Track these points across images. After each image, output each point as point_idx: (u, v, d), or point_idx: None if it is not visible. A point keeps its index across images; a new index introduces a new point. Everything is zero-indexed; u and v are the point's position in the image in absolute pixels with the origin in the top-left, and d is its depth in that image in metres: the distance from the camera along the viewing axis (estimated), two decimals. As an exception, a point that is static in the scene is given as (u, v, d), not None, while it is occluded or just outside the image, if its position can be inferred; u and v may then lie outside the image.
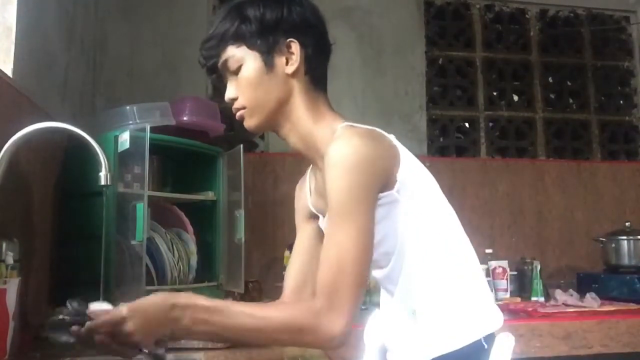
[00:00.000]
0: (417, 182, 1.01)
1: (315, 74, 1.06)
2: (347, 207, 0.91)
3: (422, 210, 1.01)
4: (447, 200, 1.10)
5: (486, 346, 0.99)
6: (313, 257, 1.13)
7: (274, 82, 1.04)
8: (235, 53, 1.04)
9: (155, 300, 0.92)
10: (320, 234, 1.12)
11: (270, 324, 0.91)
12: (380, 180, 0.95)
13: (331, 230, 0.93)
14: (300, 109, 1.05)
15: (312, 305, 0.91)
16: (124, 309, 0.91)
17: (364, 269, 0.91)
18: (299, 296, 1.13)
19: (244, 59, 1.04)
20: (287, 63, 1.03)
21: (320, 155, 1.04)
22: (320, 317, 0.88)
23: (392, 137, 1.04)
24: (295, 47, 1.03)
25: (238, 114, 1.08)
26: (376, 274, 1.09)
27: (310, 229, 1.19)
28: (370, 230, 0.93)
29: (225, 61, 1.06)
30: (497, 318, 1.05)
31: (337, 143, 0.94)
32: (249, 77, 1.04)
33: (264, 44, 1.03)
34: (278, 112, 1.06)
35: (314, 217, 1.18)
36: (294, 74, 1.04)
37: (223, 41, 1.05)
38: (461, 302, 1.02)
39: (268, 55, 1.03)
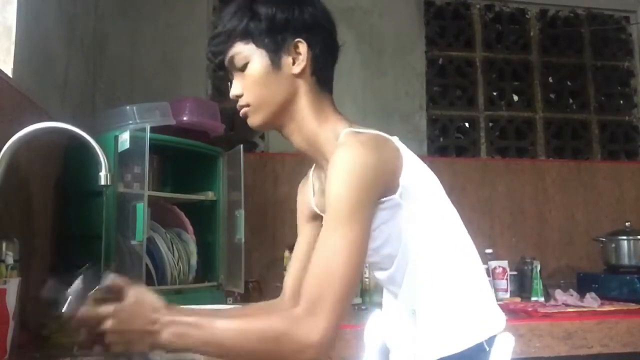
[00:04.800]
0: (420, 186, 1.01)
1: (322, 76, 1.06)
2: (343, 216, 0.89)
3: (426, 213, 1.01)
4: (449, 201, 1.09)
5: (488, 349, 0.99)
6: None
7: (280, 81, 1.04)
8: (243, 50, 1.04)
9: (142, 310, 0.90)
10: None
11: (247, 336, 0.88)
12: (380, 189, 0.94)
13: (324, 237, 0.91)
14: (305, 109, 1.05)
15: (291, 312, 0.88)
16: (110, 307, 0.89)
17: (352, 280, 0.88)
18: (297, 299, 1.10)
19: (251, 56, 1.04)
20: (293, 63, 1.03)
21: (325, 157, 1.04)
22: (298, 323, 0.85)
23: (395, 140, 1.03)
24: (303, 47, 1.03)
25: (242, 111, 1.07)
26: (379, 275, 1.09)
27: (311, 231, 1.19)
28: (364, 242, 0.91)
29: (232, 57, 1.05)
30: (499, 320, 1.05)
31: (340, 151, 0.93)
32: (255, 75, 1.04)
33: (272, 42, 1.03)
34: (282, 112, 1.05)
35: (316, 218, 1.18)
36: (300, 74, 1.04)
37: (231, 37, 1.04)
38: (463, 304, 1.01)
39: (275, 54, 1.03)
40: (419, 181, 1.01)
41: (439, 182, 1.09)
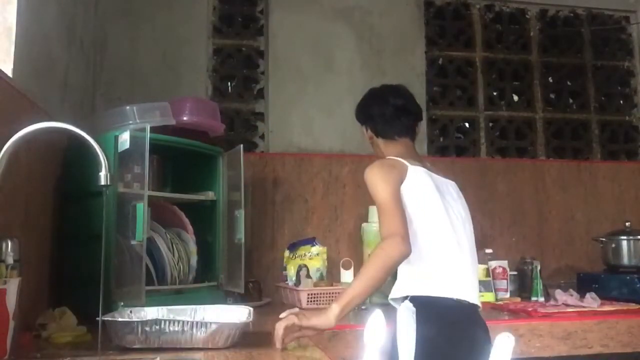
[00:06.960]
0: (416, 195, 1.56)
1: (384, 136, 1.76)
2: (378, 205, 1.52)
3: (416, 214, 1.54)
4: (449, 210, 1.60)
5: (411, 305, 1.48)
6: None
7: (373, 142, 1.81)
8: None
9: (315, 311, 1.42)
10: None
11: (370, 263, 1.44)
12: (395, 176, 1.55)
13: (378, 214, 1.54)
14: (382, 151, 1.76)
15: (380, 242, 1.47)
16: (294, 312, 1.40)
17: (394, 223, 1.47)
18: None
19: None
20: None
21: None
22: (385, 241, 1.45)
23: (409, 162, 1.61)
24: (366, 128, 1.81)
25: None
26: None
27: None
28: (393, 205, 1.49)
29: None
30: (439, 287, 1.51)
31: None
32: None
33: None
34: (377, 151, 1.80)
35: None
36: (372, 139, 1.80)
37: None
38: (415, 272, 1.53)
39: (367, 133, 1.83)
40: (416, 192, 1.56)
41: (438, 195, 1.59)
